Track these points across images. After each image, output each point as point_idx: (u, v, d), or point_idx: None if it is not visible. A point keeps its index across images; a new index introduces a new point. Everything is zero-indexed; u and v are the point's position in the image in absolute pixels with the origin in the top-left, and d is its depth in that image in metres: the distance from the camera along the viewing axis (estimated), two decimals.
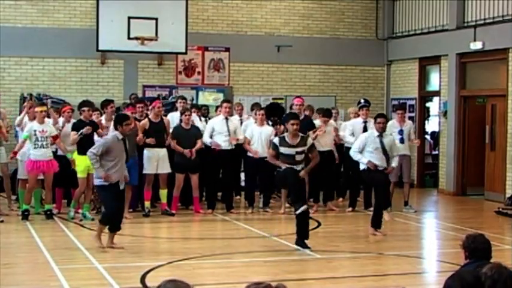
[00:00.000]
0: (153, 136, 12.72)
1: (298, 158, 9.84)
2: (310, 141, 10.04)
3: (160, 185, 12.98)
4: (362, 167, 11.24)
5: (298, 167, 9.90)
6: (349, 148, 13.89)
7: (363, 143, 11.16)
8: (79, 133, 12.03)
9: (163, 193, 13.06)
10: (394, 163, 11.30)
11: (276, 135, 12.98)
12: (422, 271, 9.60)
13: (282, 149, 9.79)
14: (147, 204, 12.90)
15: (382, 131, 11.10)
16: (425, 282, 9.02)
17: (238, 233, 11.87)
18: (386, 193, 11.46)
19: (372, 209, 13.65)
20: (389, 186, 11.65)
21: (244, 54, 18.08)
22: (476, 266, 4.85)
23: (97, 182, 9.82)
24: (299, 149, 9.82)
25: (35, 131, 12.10)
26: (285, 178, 9.97)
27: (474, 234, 5.40)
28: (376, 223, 11.25)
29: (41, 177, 12.40)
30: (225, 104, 13.63)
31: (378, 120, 11.17)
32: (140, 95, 16.89)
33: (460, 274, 4.46)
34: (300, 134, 9.99)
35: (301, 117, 13.63)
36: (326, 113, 13.88)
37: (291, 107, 14.83)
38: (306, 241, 10.00)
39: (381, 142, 11.01)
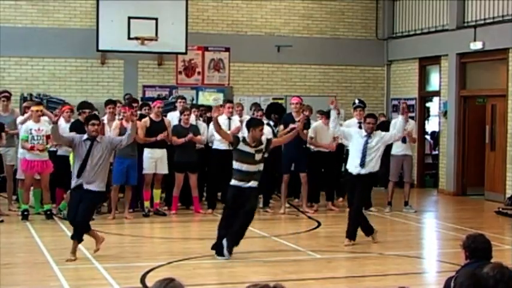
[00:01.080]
0: (154, 135, 12.73)
1: (258, 157, 9.46)
2: (264, 139, 9.68)
3: (155, 185, 12.99)
4: (347, 166, 10.80)
5: (254, 180, 9.43)
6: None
7: (348, 129, 11.06)
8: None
9: (156, 193, 13.09)
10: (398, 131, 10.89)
11: (274, 135, 12.99)
12: (422, 271, 9.60)
13: (242, 146, 9.43)
14: (146, 204, 12.90)
15: (370, 132, 10.58)
16: (425, 282, 9.01)
17: None
18: (359, 199, 10.68)
19: (372, 209, 13.71)
20: (363, 192, 10.78)
21: (244, 54, 18.08)
22: (476, 266, 4.85)
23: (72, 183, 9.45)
24: (258, 148, 9.49)
25: (30, 129, 12.14)
26: (235, 199, 9.47)
27: (474, 234, 5.40)
28: (353, 233, 10.57)
29: (37, 177, 12.40)
30: (228, 104, 13.65)
31: (368, 120, 10.67)
32: (140, 95, 16.90)
33: (470, 272, 4.42)
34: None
35: (300, 116, 13.67)
36: (328, 114, 13.84)
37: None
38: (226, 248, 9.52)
39: (365, 143, 10.49)
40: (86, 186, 9.12)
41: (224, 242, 9.38)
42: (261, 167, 9.57)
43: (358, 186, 10.51)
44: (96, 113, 12.86)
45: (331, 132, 13.67)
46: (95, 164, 9.12)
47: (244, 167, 9.41)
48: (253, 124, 9.60)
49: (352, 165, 10.57)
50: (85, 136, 9.29)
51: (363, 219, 10.72)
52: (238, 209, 9.44)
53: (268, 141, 9.74)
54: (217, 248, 9.45)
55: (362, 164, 10.45)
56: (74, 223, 9.25)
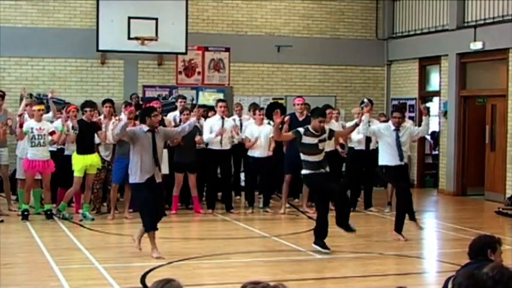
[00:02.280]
0: None
1: (321, 146, 9.88)
2: (327, 128, 10.18)
3: None
4: (380, 163, 11.00)
5: (323, 165, 9.86)
6: (352, 148, 13.90)
7: (377, 127, 11.23)
8: (73, 131, 12.08)
9: None
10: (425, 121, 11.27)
11: None
12: (422, 271, 9.60)
13: (306, 139, 9.81)
14: None
15: (398, 126, 10.93)
16: (426, 282, 9.01)
17: (238, 233, 11.86)
18: (408, 190, 11.15)
19: (372, 209, 13.71)
20: (408, 185, 11.29)
21: (244, 54, 18.08)
22: (476, 266, 4.83)
23: (130, 179, 9.60)
24: (321, 137, 9.89)
25: (32, 128, 12.14)
26: (318, 184, 9.89)
27: (480, 235, 5.43)
28: (399, 226, 10.93)
29: (38, 177, 12.41)
30: (219, 104, 13.63)
31: (394, 114, 11.13)
32: (140, 95, 16.90)
33: (468, 272, 4.41)
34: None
35: (303, 117, 13.68)
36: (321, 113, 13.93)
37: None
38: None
39: (397, 136, 10.84)
40: (157, 180, 9.48)
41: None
42: (323, 155, 9.94)
43: (402, 178, 10.94)
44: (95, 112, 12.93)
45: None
46: (159, 154, 9.52)
47: (311, 158, 9.82)
48: (314, 115, 10.08)
49: (389, 160, 10.83)
50: (145, 128, 9.49)
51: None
52: (325, 194, 9.87)
53: (331, 131, 10.24)
54: (323, 242, 9.82)
55: (401, 157, 10.81)
56: (158, 216, 9.61)
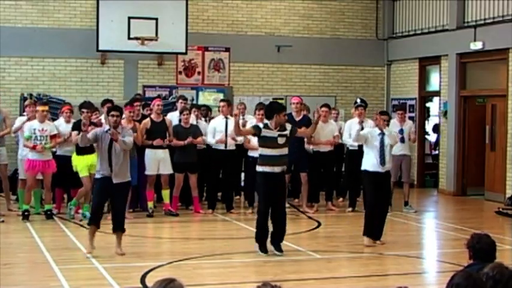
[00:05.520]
0: (155, 136, 12.72)
1: (281, 140, 9.60)
2: (289, 125, 9.85)
3: (162, 186, 13.00)
4: (363, 167, 10.67)
5: (282, 165, 9.61)
6: (350, 149, 13.89)
7: (364, 132, 10.79)
8: (80, 134, 12.04)
9: (165, 193, 13.07)
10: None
11: None
12: (422, 271, 9.60)
13: (265, 132, 9.59)
14: (150, 204, 12.88)
15: (384, 129, 10.62)
16: (426, 282, 9.01)
17: (238, 233, 11.86)
18: (387, 197, 10.92)
19: None
20: (390, 189, 11.00)
21: (244, 54, 18.08)
22: (478, 268, 4.81)
23: (96, 175, 9.72)
24: (282, 132, 9.63)
25: (34, 129, 12.13)
26: (265, 186, 9.61)
27: (480, 234, 5.40)
28: (379, 232, 10.65)
29: (40, 177, 12.40)
30: (222, 104, 13.66)
31: (383, 117, 10.68)
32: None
33: (467, 273, 4.40)
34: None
35: (300, 116, 13.68)
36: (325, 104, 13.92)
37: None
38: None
39: (382, 140, 10.52)
40: (115, 180, 9.35)
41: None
42: (284, 151, 9.67)
43: (383, 185, 10.57)
44: (96, 112, 12.92)
45: (330, 130, 13.71)
46: (119, 154, 9.38)
47: (268, 151, 9.58)
48: (276, 110, 9.79)
49: (371, 164, 10.51)
50: (107, 127, 9.59)
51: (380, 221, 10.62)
52: (272, 196, 9.61)
53: (293, 128, 9.88)
54: (264, 244, 9.66)
55: (383, 162, 10.47)
56: (114, 216, 9.57)
